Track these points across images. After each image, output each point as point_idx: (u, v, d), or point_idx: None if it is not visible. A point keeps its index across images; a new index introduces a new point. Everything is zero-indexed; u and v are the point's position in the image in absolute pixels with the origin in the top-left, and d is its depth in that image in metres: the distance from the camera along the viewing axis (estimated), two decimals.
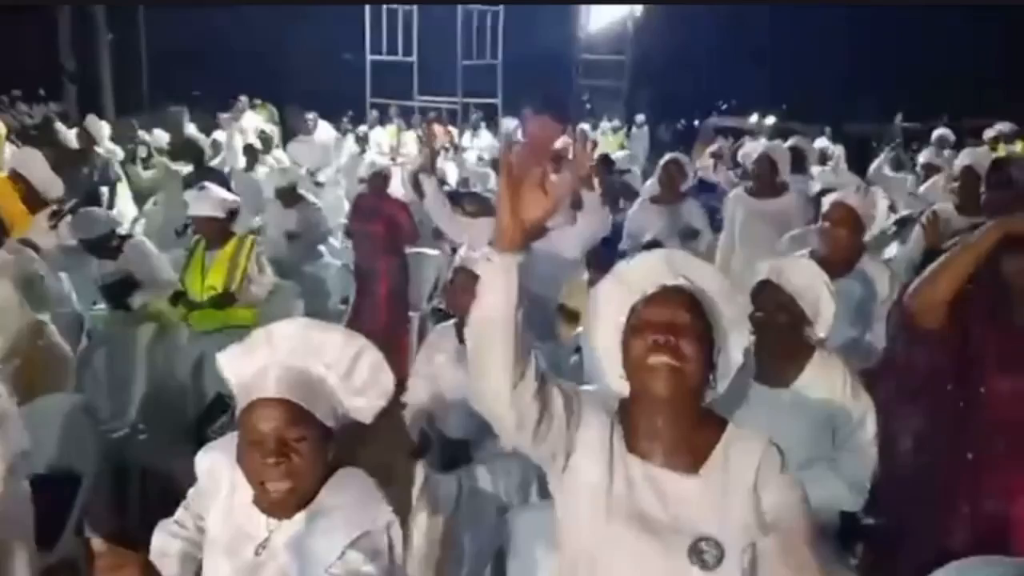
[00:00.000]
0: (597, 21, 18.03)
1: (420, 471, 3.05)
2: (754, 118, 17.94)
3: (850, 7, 18.96)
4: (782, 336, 2.45)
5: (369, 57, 10.90)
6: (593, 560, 1.57)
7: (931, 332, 2.31)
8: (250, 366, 1.64)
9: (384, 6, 10.65)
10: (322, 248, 6.23)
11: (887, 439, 2.45)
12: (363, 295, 5.55)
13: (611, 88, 18.22)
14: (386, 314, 5.42)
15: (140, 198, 7.73)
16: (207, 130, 10.46)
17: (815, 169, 5.49)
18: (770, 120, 17.55)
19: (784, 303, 2.44)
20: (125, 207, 7.39)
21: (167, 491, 2.09)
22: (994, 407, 2.29)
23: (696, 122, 20.42)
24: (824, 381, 2.45)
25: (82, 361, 4.10)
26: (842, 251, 3.32)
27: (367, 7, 10.52)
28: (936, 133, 8.35)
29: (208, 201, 4.30)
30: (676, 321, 1.53)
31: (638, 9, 18.32)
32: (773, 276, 2.48)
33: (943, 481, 2.41)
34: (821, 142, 10.54)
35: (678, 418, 1.56)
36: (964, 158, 4.70)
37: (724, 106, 23.69)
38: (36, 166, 4.90)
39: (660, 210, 5.36)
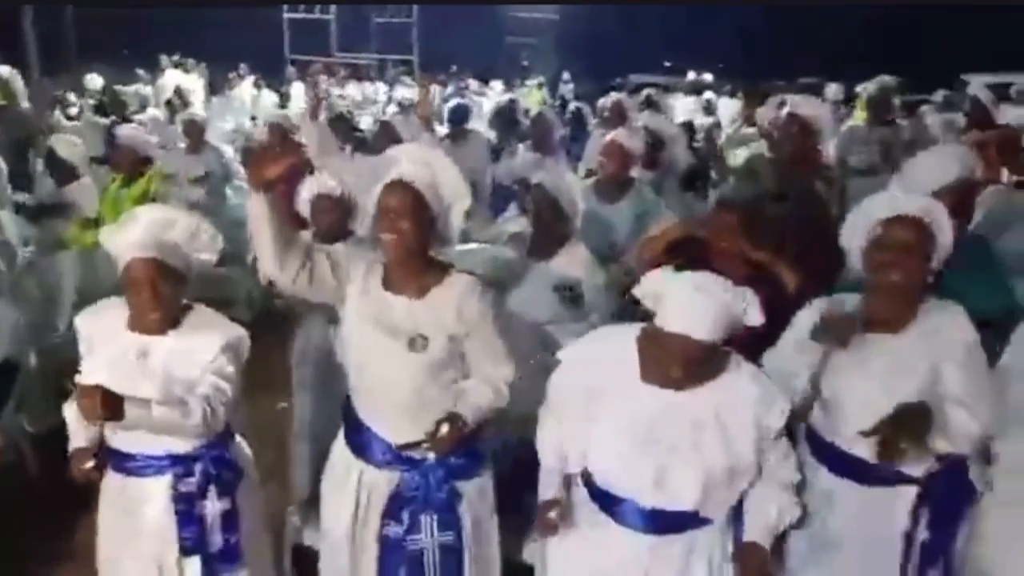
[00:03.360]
0: None
1: None
2: (691, 76, 18.64)
3: None
4: (547, 225, 3.39)
5: (286, 15, 11.39)
6: (357, 354, 2.46)
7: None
8: (123, 237, 2.43)
9: None
10: (228, 191, 6.78)
11: None
12: None
13: (542, 46, 18.83)
14: None
15: None
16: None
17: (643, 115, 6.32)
18: (707, 77, 18.34)
19: (550, 200, 3.36)
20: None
21: None
22: None
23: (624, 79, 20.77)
24: (573, 260, 3.37)
25: (14, 284, 4.77)
26: (612, 178, 4.22)
27: None
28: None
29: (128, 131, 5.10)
30: (396, 206, 2.32)
31: None
32: (543, 180, 3.40)
33: None
34: (710, 95, 11.49)
35: (407, 267, 2.40)
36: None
37: (668, 64, 24.33)
38: None
39: (535, 157, 6.24)
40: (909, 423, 2.12)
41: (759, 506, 2.23)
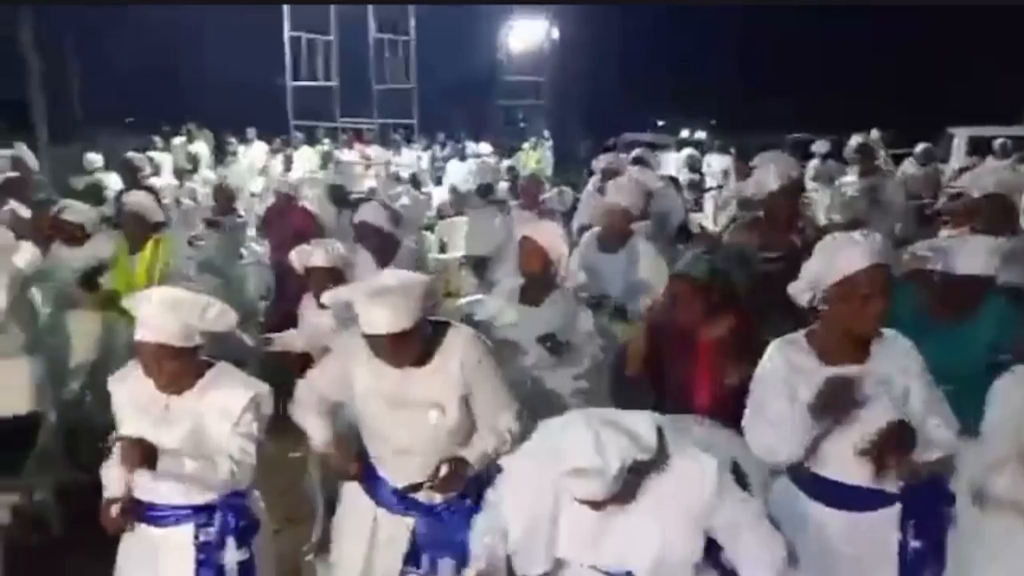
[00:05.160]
0: (516, 44, 19.34)
1: None
2: (684, 133, 19.07)
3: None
4: (534, 274, 3.63)
5: (290, 83, 11.80)
6: (374, 425, 2.68)
7: None
8: (136, 313, 2.54)
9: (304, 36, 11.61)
10: (243, 250, 7.06)
11: None
12: (281, 289, 6.52)
13: (536, 107, 19.41)
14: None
15: None
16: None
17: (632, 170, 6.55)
18: (700, 135, 18.80)
19: (538, 252, 3.60)
20: None
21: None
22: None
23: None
24: (560, 307, 3.61)
25: (35, 342, 4.93)
26: (613, 234, 4.48)
27: (287, 36, 11.47)
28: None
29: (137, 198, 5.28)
30: (390, 347, 2.49)
31: (554, 32, 19.61)
32: (530, 233, 3.65)
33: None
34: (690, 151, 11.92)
35: (408, 346, 2.52)
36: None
37: (661, 123, 24.86)
38: None
39: (526, 215, 6.51)
40: (894, 437, 2.32)
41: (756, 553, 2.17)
